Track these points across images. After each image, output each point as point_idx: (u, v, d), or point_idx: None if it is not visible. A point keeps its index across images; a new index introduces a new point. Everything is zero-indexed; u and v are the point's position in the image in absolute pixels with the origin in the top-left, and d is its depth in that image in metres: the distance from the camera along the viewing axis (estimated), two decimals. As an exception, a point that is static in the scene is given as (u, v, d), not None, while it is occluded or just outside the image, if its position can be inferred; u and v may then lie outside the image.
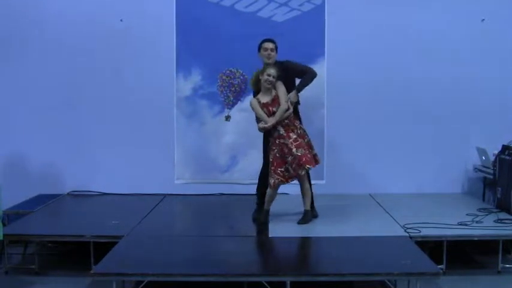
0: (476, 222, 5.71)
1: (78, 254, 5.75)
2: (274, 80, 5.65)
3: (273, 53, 5.81)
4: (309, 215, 5.81)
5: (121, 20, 7.08)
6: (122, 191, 7.11)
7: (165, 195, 7.07)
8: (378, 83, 7.11)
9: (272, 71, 5.64)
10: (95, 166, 7.15)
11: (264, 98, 5.72)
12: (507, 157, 6.17)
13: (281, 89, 5.72)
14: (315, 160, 5.82)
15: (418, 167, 7.12)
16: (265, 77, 5.64)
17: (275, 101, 5.69)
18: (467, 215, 5.96)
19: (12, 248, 5.67)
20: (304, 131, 5.84)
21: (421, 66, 7.10)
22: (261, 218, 5.83)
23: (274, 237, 5.37)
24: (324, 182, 7.13)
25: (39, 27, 7.08)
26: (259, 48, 5.86)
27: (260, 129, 5.79)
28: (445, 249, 5.28)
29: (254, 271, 4.65)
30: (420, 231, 5.36)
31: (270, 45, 5.82)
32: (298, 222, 5.77)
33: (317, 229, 5.62)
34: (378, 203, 6.63)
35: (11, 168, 7.08)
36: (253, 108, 5.76)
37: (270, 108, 5.68)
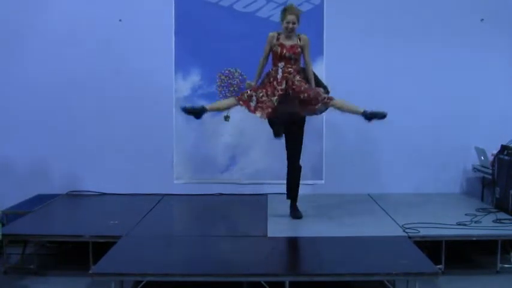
0: (475, 222, 5.72)
1: (77, 254, 5.75)
2: (294, 26, 5.65)
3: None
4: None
5: (120, 20, 7.08)
6: (120, 191, 7.10)
7: (164, 195, 7.06)
8: (377, 82, 7.11)
9: (292, 17, 5.65)
10: (93, 166, 7.15)
11: (285, 39, 5.71)
12: (506, 157, 6.18)
13: (307, 50, 5.76)
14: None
15: (416, 167, 7.14)
16: (285, 24, 5.66)
17: (293, 47, 5.69)
18: (466, 215, 5.97)
19: (11, 248, 5.65)
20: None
21: (421, 65, 7.11)
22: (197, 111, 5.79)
23: (273, 237, 5.36)
24: (323, 181, 7.14)
25: (37, 26, 7.07)
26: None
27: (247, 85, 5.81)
28: (443, 249, 5.28)
29: (253, 271, 4.64)
30: (419, 231, 5.37)
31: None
32: None
33: (316, 229, 5.62)
34: (377, 202, 6.63)
35: (10, 167, 7.08)
36: (268, 39, 5.74)
37: (284, 51, 5.66)
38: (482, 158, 6.81)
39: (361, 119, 7.04)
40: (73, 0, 7.12)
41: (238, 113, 7.10)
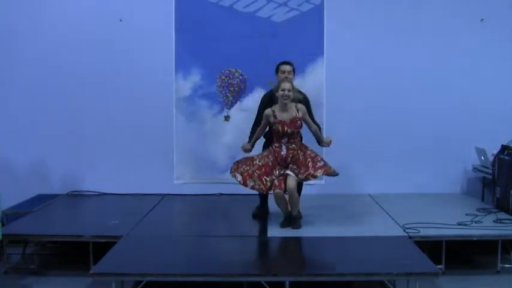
0: (476, 222, 5.72)
1: (78, 254, 5.75)
2: (290, 93, 5.51)
3: (290, 76, 5.75)
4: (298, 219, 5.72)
5: (120, 20, 7.08)
6: (121, 191, 7.10)
7: (164, 195, 7.07)
8: (377, 82, 7.11)
9: (287, 85, 5.53)
10: (94, 166, 7.15)
11: (281, 115, 5.56)
12: (506, 157, 6.18)
13: (306, 115, 5.66)
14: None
15: (417, 167, 7.13)
16: (280, 92, 5.51)
17: (293, 122, 5.55)
18: (466, 215, 5.97)
19: (12, 248, 5.66)
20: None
21: (421, 66, 7.11)
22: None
23: (273, 237, 5.37)
24: (323, 182, 7.12)
25: (37, 26, 7.07)
26: (277, 70, 5.83)
27: (242, 148, 5.79)
28: (444, 249, 5.29)
29: (253, 271, 4.65)
30: (419, 231, 5.37)
31: (287, 67, 5.77)
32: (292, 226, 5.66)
33: (316, 229, 5.62)
34: (377, 203, 6.63)
35: (10, 168, 7.07)
36: (263, 117, 5.63)
37: (285, 128, 5.52)
38: (482, 158, 6.81)
39: (362, 120, 7.11)
40: (73, 0, 7.12)
41: (238, 113, 7.13)
